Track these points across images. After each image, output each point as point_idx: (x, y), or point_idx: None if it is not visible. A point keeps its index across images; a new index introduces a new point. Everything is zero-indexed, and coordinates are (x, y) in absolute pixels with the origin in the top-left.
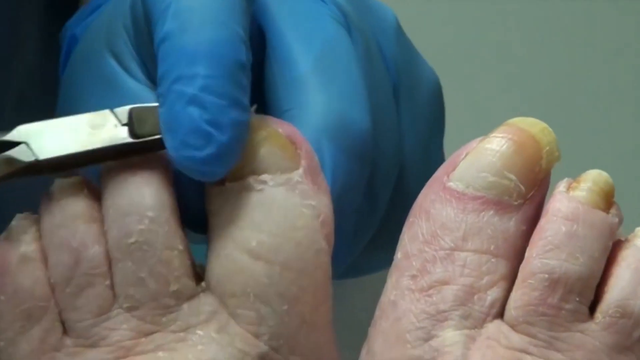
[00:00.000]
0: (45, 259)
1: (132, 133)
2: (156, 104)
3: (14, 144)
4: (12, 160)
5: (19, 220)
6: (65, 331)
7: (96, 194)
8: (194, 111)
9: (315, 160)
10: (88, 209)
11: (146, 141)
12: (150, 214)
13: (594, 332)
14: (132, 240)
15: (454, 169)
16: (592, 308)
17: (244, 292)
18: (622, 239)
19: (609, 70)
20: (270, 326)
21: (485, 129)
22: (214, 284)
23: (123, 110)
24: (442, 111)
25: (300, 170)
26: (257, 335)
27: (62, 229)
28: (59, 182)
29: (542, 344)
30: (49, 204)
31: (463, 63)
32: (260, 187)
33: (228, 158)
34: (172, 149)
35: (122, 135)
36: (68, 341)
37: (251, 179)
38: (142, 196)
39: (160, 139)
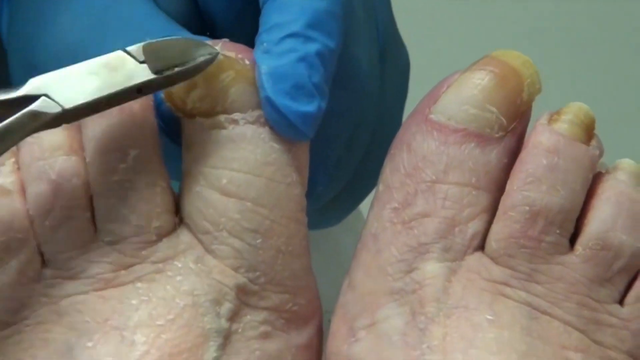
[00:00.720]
0: (23, 192)
1: (153, 69)
2: (169, 38)
3: (33, 98)
4: (37, 114)
5: None
6: (44, 263)
7: (76, 126)
8: (303, 69)
9: None
10: (68, 140)
11: (170, 75)
12: (133, 152)
13: (574, 264)
14: (115, 178)
15: (435, 102)
16: (573, 241)
17: (217, 229)
18: (603, 171)
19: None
20: (246, 259)
21: None
22: (187, 221)
23: (137, 48)
24: (407, 85)
25: None
26: (234, 268)
27: (41, 161)
28: None
29: (523, 276)
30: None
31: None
32: (231, 125)
33: (316, 124)
34: (274, 94)
35: (143, 72)
36: (47, 273)
37: (222, 117)
38: (126, 133)
39: (183, 71)
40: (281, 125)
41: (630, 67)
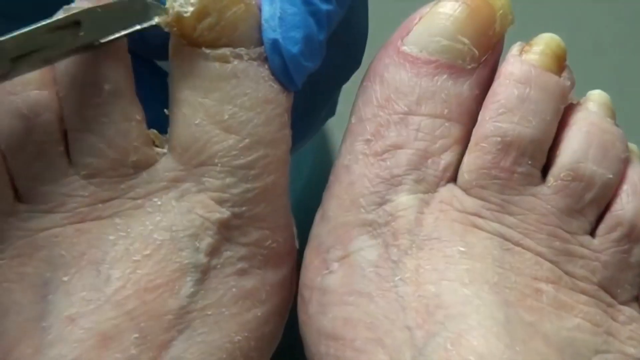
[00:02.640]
0: None
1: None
2: None
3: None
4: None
5: None
6: (18, 197)
7: None
8: (314, 24)
9: None
10: (40, 75)
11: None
12: (108, 86)
13: (546, 195)
14: (90, 112)
15: (407, 33)
16: (545, 172)
17: (212, 162)
18: (574, 102)
19: None
20: (234, 194)
21: None
22: (179, 151)
23: None
24: None
25: None
26: (220, 202)
27: (12, 95)
28: None
29: (495, 207)
30: None
31: None
32: (235, 60)
33: (303, 78)
34: (285, 40)
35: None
36: (22, 207)
37: (227, 51)
38: (99, 67)
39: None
40: (279, 70)
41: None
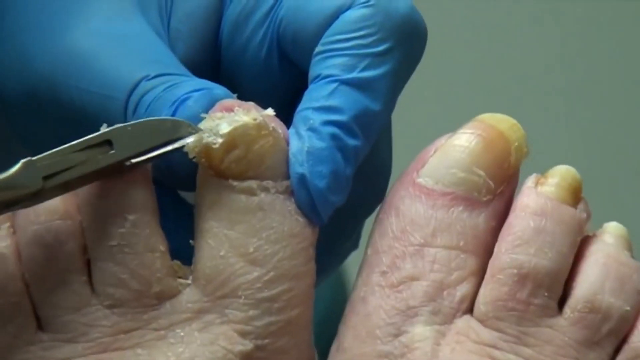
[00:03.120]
0: (19, 255)
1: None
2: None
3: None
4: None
5: None
6: (40, 327)
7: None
8: (341, 159)
9: None
10: (63, 204)
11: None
12: (131, 216)
13: (563, 327)
14: (113, 243)
15: (423, 165)
16: (561, 304)
17: (236, 295)
18: (591, 234)
19: (580, 67)
20: (257, 327)
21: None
22: (203, 283)
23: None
24: None
25: None
26: (242, 334)
27: (36, 225)
28: None
29: (511, 339)
30: None
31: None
32: (262, 193)
33: (330, 212)
34: (312, 174)
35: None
36: (44, 336)
37: (254, 183)
38: (124, 198)
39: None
40: (305, 205)
41: (622, 127)
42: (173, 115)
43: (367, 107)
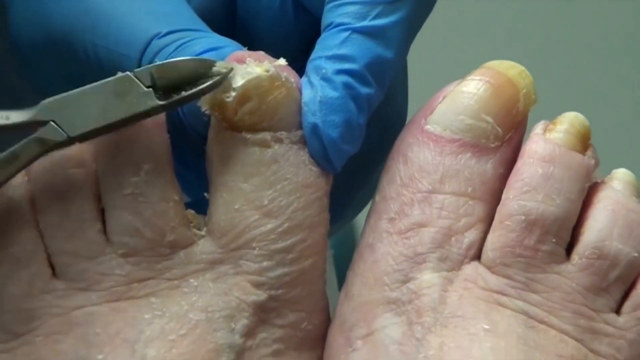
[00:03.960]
0: (34, 204)
1: (158, 94)
2: (178, 59)
3: (42, 123)
4: (43, 141)
5: None
6: (55, 274)
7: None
8: (354, 108)
9: None
10: (78, 153)
11: (175, 100)
12: (146, 165)
13: (571, 273)
14: (127, 191)
15: (431, 112)
16: (569, 250)
17: (250, 246)
18: (599, 181)
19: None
20: (271, 277)
21: None
22: (218, 235)
23: (145, 72)
24: None
25: None
26: (256, 285)
27: (51, 173)
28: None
29: (519, 286)
30: None
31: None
32: (276, 144)
33: (343, 161)
34: (324, 124)
35: (148, 99)
36: (58, 284)
37: (268, 135)
38: (138, 147)
39: (188, 96)
40: (318, 154)
41: (627, 76)
42: None
43: (380, 55)
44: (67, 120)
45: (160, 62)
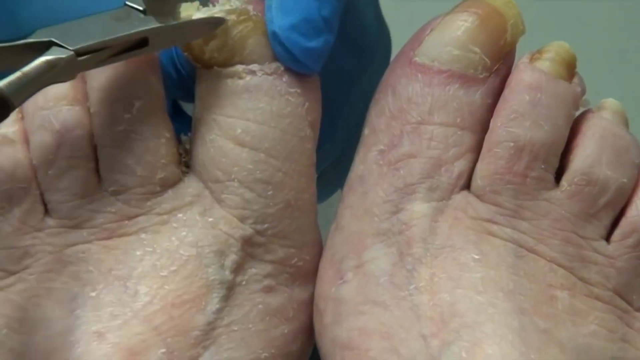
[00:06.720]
0: (27, 141)
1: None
2: None
3: (43, 44)
4: (51, 62)
5: None
6: (47, 212)
7: (80, 77)
8: (313, 2)
9: None
10: (72, 90)
11: (176, 25)
12: (138, 102)
13: (560, 200)
14: (120, 128)
15: (419, 44)
16: (558, 177)
17: (229, 178)
18: (587, 110)
19: None
20: (255, 210)
21: None
22: (198, 169)
23: (139, 1)
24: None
25: None
26: (241, 219)
27: (44, 110)
28: None
29: (509, 213)
30: None
31: None
32: (248, 76)
33: (325, 57)
34: (280, 28)
35: (148, 21)
36: (51, 222)
37: (240, 67)
38: (131, 83)
39: (190, 22)
40: (287, 60)
41: (614, 7)
42: None
43: None
44: (70, 41)
45: None
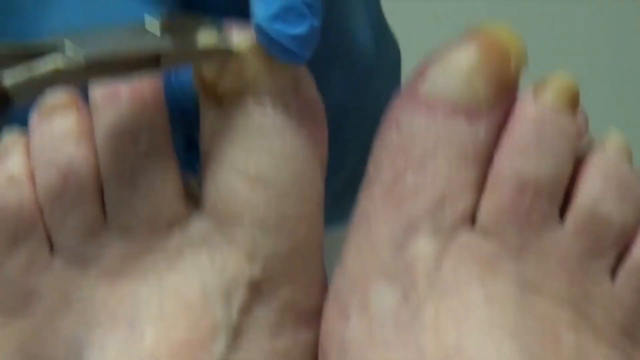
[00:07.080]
0: (33, 179)
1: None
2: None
3: (55, 46)
4: (57, 61)
5: (7, 139)
6: (53, 251)
7: (87, 112)
8: None
9: (310, 80)
10: (78, 127)
11: (189, 48)
12: (144, 136)
13: (565, 236)
14: (126, 164)
15: (422, 78)
16: (563, 213)
17: (240, 218)
18: (591, 142)
19: None
20: (265, 252)
21: None
22: (209, 208)
23: (154, 22)
24: (400, 80)
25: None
26: (250, 260)
27: (50, 148)
28: (48, 100)
29: (513, 250)
30: (38, 122)
31: None
32: (259, 110)
33: (313, 43)
34: (263, 19)
35: (164, 40)
36: (56, 261)
37: (251, 101)
38: (137, 118)
39: (213, 49)
40: (275, 50)
41: (619, 38)
42: None
43: None
44: (80, 45)
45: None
